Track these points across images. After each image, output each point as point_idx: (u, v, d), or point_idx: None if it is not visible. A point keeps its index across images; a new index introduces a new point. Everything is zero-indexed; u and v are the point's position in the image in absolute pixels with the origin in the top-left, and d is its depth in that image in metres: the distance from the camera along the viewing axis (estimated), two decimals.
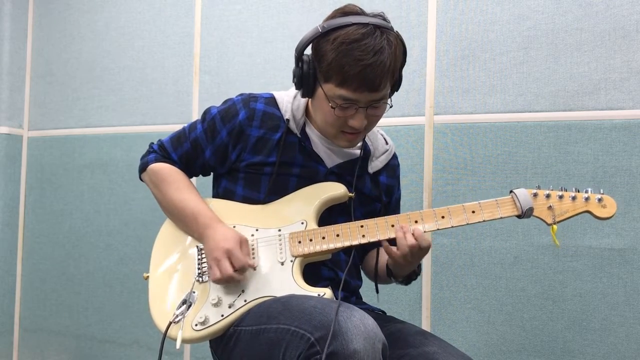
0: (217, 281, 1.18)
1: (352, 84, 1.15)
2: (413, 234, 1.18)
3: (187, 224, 1.29)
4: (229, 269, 1.16)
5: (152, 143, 1.41)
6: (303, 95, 1.26)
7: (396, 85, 1.26)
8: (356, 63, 1.13)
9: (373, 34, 1.15)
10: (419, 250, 1.18)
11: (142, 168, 1.39)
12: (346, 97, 1.17)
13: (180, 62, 2.37)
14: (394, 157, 1.43)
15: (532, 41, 1.85)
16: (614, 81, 1.76)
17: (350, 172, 1.32)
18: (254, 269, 1.20)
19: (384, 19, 1.21)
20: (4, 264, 2.59)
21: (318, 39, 1.19)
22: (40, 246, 2.60)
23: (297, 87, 1.25)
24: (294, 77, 1.25)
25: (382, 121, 1.29)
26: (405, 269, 1.26)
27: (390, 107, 1.24)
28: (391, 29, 1.20)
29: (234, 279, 1.17)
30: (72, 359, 2.51)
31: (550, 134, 1.81)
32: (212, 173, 1.41)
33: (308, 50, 1.24)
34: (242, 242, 1.21)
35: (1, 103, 2.59)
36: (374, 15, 1.21)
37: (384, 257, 1.34)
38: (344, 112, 1.20)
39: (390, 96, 1.24)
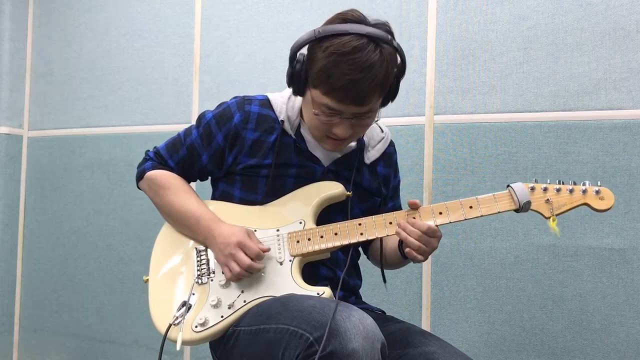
0: (238, 275, 1.17)
1: (337, 96, 1.15)
2: (413, 225, 1.17)
3: (190, 228, 1.29)
4: (246, 259, 1.16)
5: (148, 150, 1.40)
6: (294, 93, 1.26)
7: (391, 96, 1.24)
8: (342, 77, 1.12)
9: (366, 48, 1.12)
10: (426, 237, 1.17)
11: (140, 176, 1.38)
12: (330, 106, 1.17)
13: (180, 62, 2.37)
14: (390, 144, 1.42)
15: (532, 41, 1.85)
16: (614, 81, 1.76)
17: (346, 166, 1.32)
18: (267, 251, 1.20)
19: (387, 30, 1.18)
20: (4, 264, 2.59)
21: (312, 43, 1.18)
22: (40, 246, 2.60)
23: (288, 85, 1.25)
24: (286, 77, 1.25)
25: (382, 121, 1.29)
26: (425, 256, 1.22)
27: (377, 121, 1.22)
28: (389, 41, 1.16)
29: (254, 267, 1.17)
30: (72, 359, 2.51)
31: (550, 134, 1.81)
32: (210, 177, 1.41)
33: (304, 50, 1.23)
34: (250, 233, 1.21)
35: (1, 103, 2.59)
36: (376, 25, 1.18)
37: (390, 243, 1.34)
38: (328, 119, 1.19)
39: (384, 106, 1.23)
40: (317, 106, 1.19)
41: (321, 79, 1.15)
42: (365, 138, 1.36)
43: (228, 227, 1.22)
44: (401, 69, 1.22)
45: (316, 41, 1.17)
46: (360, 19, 1.18)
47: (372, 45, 1.13)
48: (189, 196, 1.31)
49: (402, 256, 1.28)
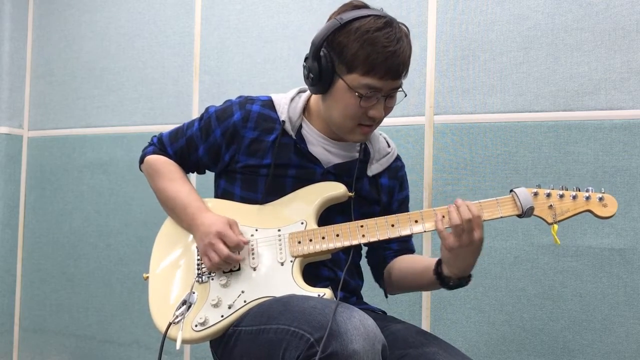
0: (217, 264, 1.19)
1: (379, 72, 1.17)
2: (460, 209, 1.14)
3: (178, 214, 1.32)
4: (224, 250, 1.18)
5: (154, 136, 1.46)
6: (318, 92, 1.26)
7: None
8: (382, 50, 1.15)
9: (391, 23, 1.18)
10: (468, 230, 1.13)
11: (141, 160, 1.45)
12: (371, 85, 1.18)
13: (180, 62, 2.37)
14: (397, 159, 1.42)
15: (532, 41, 1.85)
16: (614, 81, 1.76)
17: (347, 173, 1.31)
18: (247, 243, 1.22)
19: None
20: (4, 264, 2.59)
21: (334, 32, 1.19)
22: (40, 246, 2.60)
23: (314, 83, 1.24)
24: (309, 73, 1.23)
25: (382, 121, 1.29)
26: (458, 261, 1.18)
27: (405, 95, 1.25)
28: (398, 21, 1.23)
29: (232, 258, 1.18)
30: (72, 359, 2.51)
31: (550, 134, 1.81)
32: (206, 171, 1.44)
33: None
34: (232, 224, 1.22)
35: (1, 103, 2.59)
36: (378, 10, 1.23)
37: (420, 264, 1.31)
38: (367, 102, 1.20)
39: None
40: (356, 90, 1.19)
41: (358, 60, 1.17)
42: (371, 150, 1.36)
43: (211, 216, 1.24)
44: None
45: (339, 29, 1.18)
46: (367, 5, 1.25)
47: (394, 22, 1.20)
48: (181, 183, 1.35)
49: (436, 277, 1.23)
